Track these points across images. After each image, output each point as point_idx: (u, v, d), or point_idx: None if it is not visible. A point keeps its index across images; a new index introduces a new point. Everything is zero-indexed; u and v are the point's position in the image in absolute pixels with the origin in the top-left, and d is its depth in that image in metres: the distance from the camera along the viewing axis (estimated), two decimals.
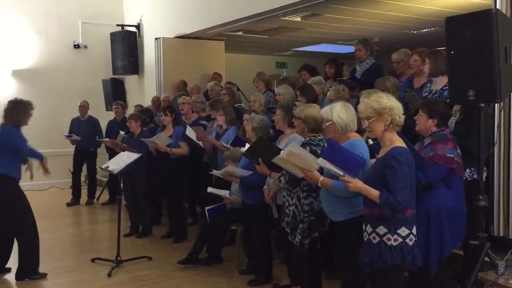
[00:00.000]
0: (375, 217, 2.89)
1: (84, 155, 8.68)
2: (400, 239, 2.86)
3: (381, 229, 2.88)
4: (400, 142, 2.94)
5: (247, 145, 4.60)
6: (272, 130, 5.10)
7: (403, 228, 2.87)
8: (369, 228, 2.94)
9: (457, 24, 3.72)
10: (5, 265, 5.03)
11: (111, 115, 8.80)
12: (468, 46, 3.61)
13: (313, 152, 3.67)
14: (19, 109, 4.90)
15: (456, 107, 3.94)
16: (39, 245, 4.92)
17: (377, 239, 2.89)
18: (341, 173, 2.92)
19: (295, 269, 4.12)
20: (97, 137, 8.48)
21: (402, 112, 2.97)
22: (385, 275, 2.90)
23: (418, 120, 3.68)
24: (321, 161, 2.99)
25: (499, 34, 3.47)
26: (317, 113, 3.84)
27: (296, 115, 3.92)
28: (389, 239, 2.85)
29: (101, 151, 8.56)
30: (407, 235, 2.88)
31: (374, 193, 2.85)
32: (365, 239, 2.98)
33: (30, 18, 10.15)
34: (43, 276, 4.90)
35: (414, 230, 2.91)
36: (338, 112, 3.38)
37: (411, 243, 2.88)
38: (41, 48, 10.30)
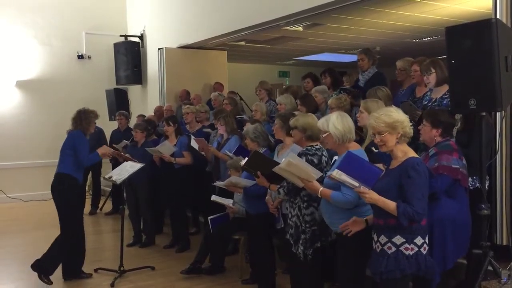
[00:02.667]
0: (391, 227, 2.88)
1: (89, 165, 8.67)
2: (416, 248, 2.88)
3: (398, 239, 2.88)
4: (413, 153, 2.96)
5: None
6: (273, 139, 5.12)
7: (419, 237, 2.89)
8: (383, 239, 2.93)
9: (458, 33, 3.74)
10: (82, 266, 5.23)
11: (114, 125, 8.84)
12: (468, 55, 3.63)
13: (309, 162, 3.65)
14: (81, 117, 5.17)
15: (458, 116, 3.94)
16: (65, 256, 5.02)
17: (393, 249, 2.89)
18: (357, 184, 2.90)
19: (298, 280, 4.11)
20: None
21: (411, 124, 2.99)
22: (394, 285, 2.89)
23: (422, 130, 3.66)
24: (337, 173, 2.97)
25: (499, 43, 3.49)
26: (312, 121, 3.85)
27: (292, 125, 3.92)
28: (406, 249, 2.87)
29: (105, 160, 8.58)
30: (422, 244, 2.90)
31: (391, 204, 2.84)
32: (378, 249, 2.96)
33: (34, 29, 10.24)
34: (49, 283, 4.90)
35: (426, 239, 2.94)
36: (334, 123, 3.38)
37: (424, 252, 2.91)
38: (45, 59, 10.39)
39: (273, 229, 4.60)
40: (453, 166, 3.44)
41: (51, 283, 4.91)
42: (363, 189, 2.89)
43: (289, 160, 3.36)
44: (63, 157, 5.11)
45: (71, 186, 5.03)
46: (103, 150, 5.45)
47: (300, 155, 3.73)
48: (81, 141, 5.11)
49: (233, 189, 4.73)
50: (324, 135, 3.45)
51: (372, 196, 2.88)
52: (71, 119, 5.24)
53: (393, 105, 3.45)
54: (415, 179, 2.83)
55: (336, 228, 3.43)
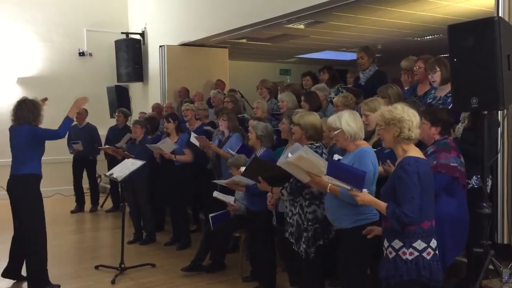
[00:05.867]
0: (390, 231, 2.84)
1: (83, 163, 8.58)
2: (416, 253, 2.77)
3: (397, 243, 2.82)
4: (414, 152, 2.88)
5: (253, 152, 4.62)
6: (275, 137, 5.11)
7: (419, 241, 2.78)
8: (385, 243, 2.90)
9: (460, 31, 3.72)
10: (20, 271, 4.92)
11: (115, 122, 8.82)
12: (470, 53, 3.61)
13: None
14: (38, 111, 4.83)
15: (464, 114, 3.93)
16: (47, 255, 4.79)
17: (393, 253, 2.83)
18: (349, 187, 2.92)
19: (299, 278, 4.11)
20: (95, 144, 8.37)
21: (418, 125, 2.91)
22: None
23: (421, 128, 3.65)
24: (328, 179, 3.00)
25: (501, 41, 3.47)
26: (316, 121, 3.83)
27: (295, 121, 3.89)
28: (404, 253, 2.79)
29: (100, 157, 8.57)
30: (424, 249, 2.78)
31: (382, 205, 2.81)
32: (384, 253, 2.93)
33: (35, 26, 10.23)
34: (56, 287, 4.78)
35: (433, 243, 2.81)
36: (347, 120, 3.37)
37: (428, 257, 2.78)
38: (46, 55, 10.38)
39: (274, 227, 4.60)
40: (451, 164, 3.44)
41: (58, 286, 4.79)
42: (355, 191, 2.89)
43: (301, 153, 3.32)
44: (24, 155, 4.65)
45: (34, 186, 4.67)
46: (72, 111, 5.02)
47: None
48: (41, 131, 4.72)
49: (235, 187, 4.72)
50: (335, 132, 3.42)
51: (364, 198, 2.88)
52: (20, 111, 4.82)
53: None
54: (404, 179, 2.75)
55: (341, 224, 3.43)
